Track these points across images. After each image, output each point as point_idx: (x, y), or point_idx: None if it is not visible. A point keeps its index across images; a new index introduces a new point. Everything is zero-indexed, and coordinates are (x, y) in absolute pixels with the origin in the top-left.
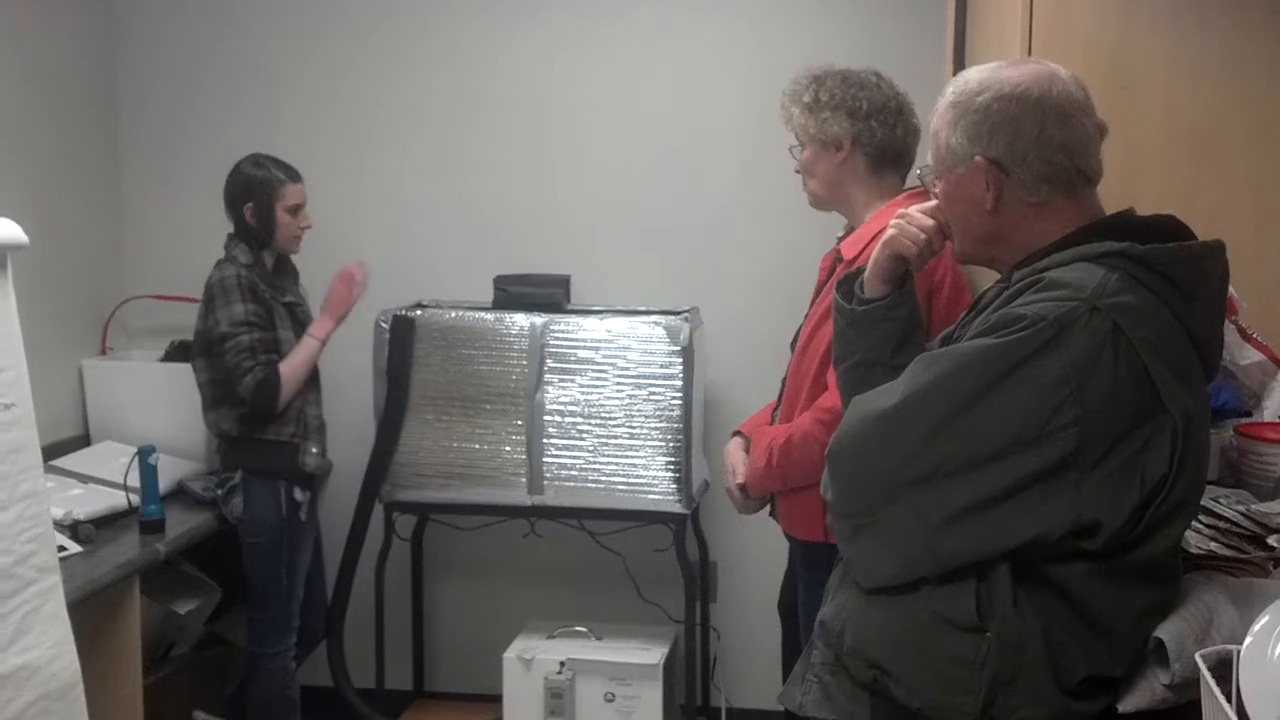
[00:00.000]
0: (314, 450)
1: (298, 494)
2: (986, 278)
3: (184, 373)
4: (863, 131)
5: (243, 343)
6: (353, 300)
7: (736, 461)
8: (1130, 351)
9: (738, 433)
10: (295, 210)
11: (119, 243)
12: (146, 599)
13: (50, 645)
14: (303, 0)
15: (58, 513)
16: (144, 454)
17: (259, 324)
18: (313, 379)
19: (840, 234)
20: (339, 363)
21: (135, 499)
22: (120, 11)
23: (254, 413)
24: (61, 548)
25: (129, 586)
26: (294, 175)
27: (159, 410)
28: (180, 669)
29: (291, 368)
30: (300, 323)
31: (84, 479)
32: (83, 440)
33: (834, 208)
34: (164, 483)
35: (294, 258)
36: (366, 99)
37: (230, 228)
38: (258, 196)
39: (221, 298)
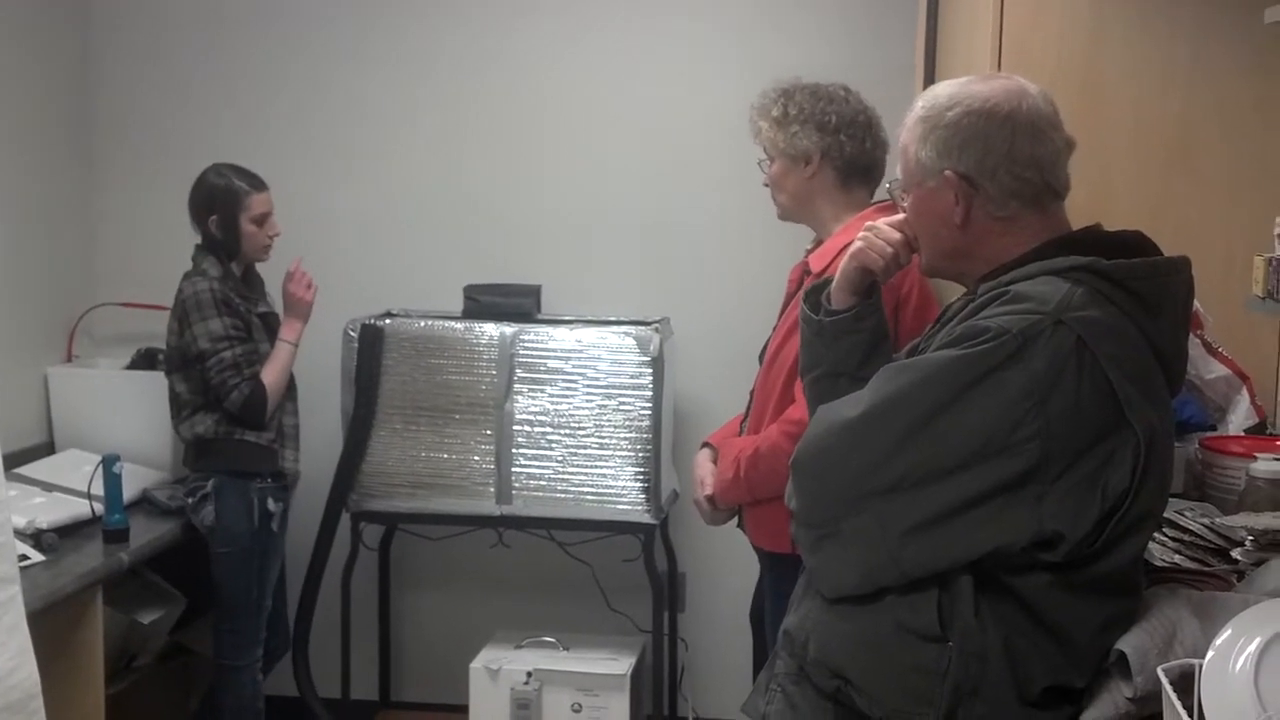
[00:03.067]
0: (291, 456)
1: (270, 504)
2: (953, 290)
3: (150, 381)
4: (832, 145)
5: (225, 359)
6: (309, 297)
7: (704, 473)
8: (1094, 365)
9: (706, 444)
10: (261, 220)
11: (87, 249)
12: (110, 608)
13: (10, 656)
14: (276, 11)
15: (21, 521)
16: (108, 462)
17: (239, 337)
18: (288, 386)
19: (809, 247)
20: (307, 371)
21: (99, 507)
22: (94, 15)
23: (243, 426)
24: (24, 556)
25: (92, 596)
26: (258, 184)
27: (124, 418)
28: (143, 679)
29: (272, 377)
30: (274, 332)
31: (48, 487)
32: (47, 448)
33: (802, 221)
34: (128, 491)
35: (262, 267)
36: (337, 108)
37: (197, 239)
38: (221, 208)
39: (196, 313)
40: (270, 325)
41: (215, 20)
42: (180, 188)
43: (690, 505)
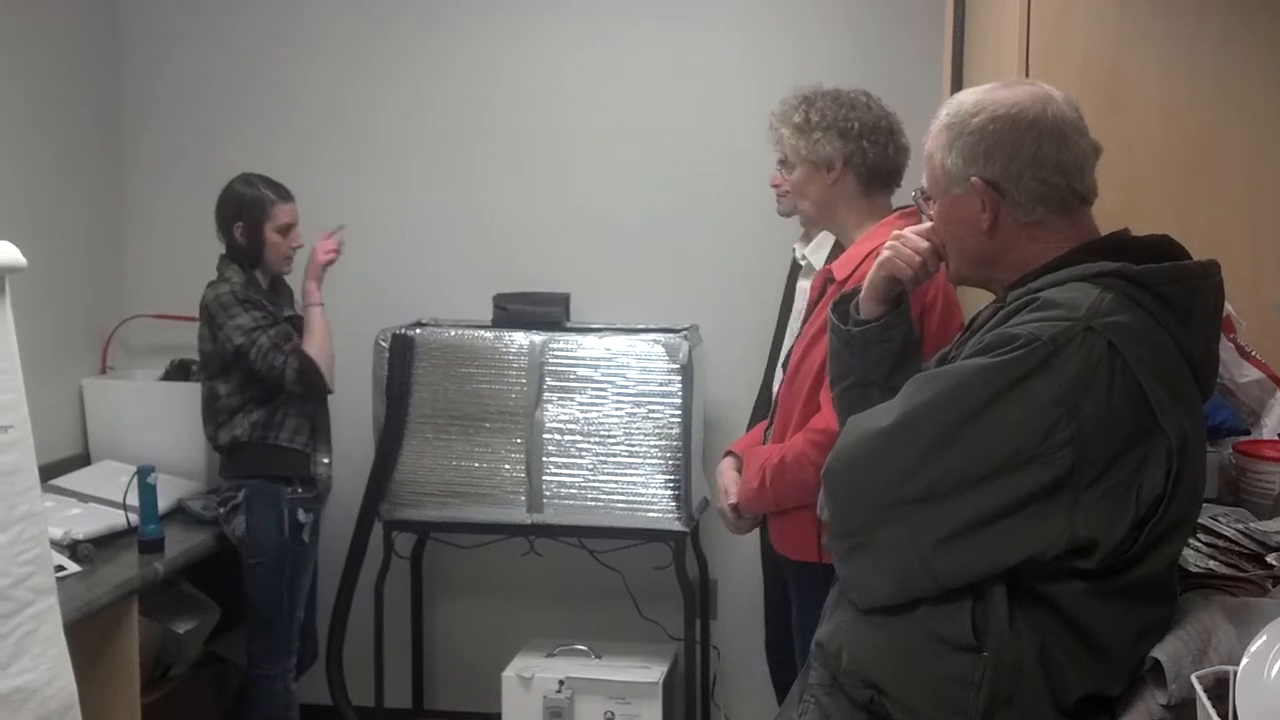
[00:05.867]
0: (324, 460)
1: (301, 515)
2: (979, 297)
3: (184, 392)
4: (854, 152)
5: (263, 345)
6: (327, 257)
7: (729, 482)
8: (1125, 371)
9: (730, 452)
10: (286, 230)
11: (120, 261)
12: (145, 619)
13: (47, 667)
14: (304, 22)
15: (57, 532)
16: (143, 473)
17: (269, 323)
18: None
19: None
20: (338, 381)
21: (134, 518)
22: (123, 29)
23: (309, 395)
24: (60, 567)
25: (128, 606)
26: (285, 195)
27: (159, 429)
28: (179, 689)
29: (315, 344)
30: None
31: (83, 498)
32: (82, 459)
33: (824, 228)
34: (163, 502)
35: (290, 278)
36: (366, 119)
37: (223, 248)
38: (247, 216)
39: (223, 314)
40: (298, 329)
41: (242, 36)
42: (211, 199)
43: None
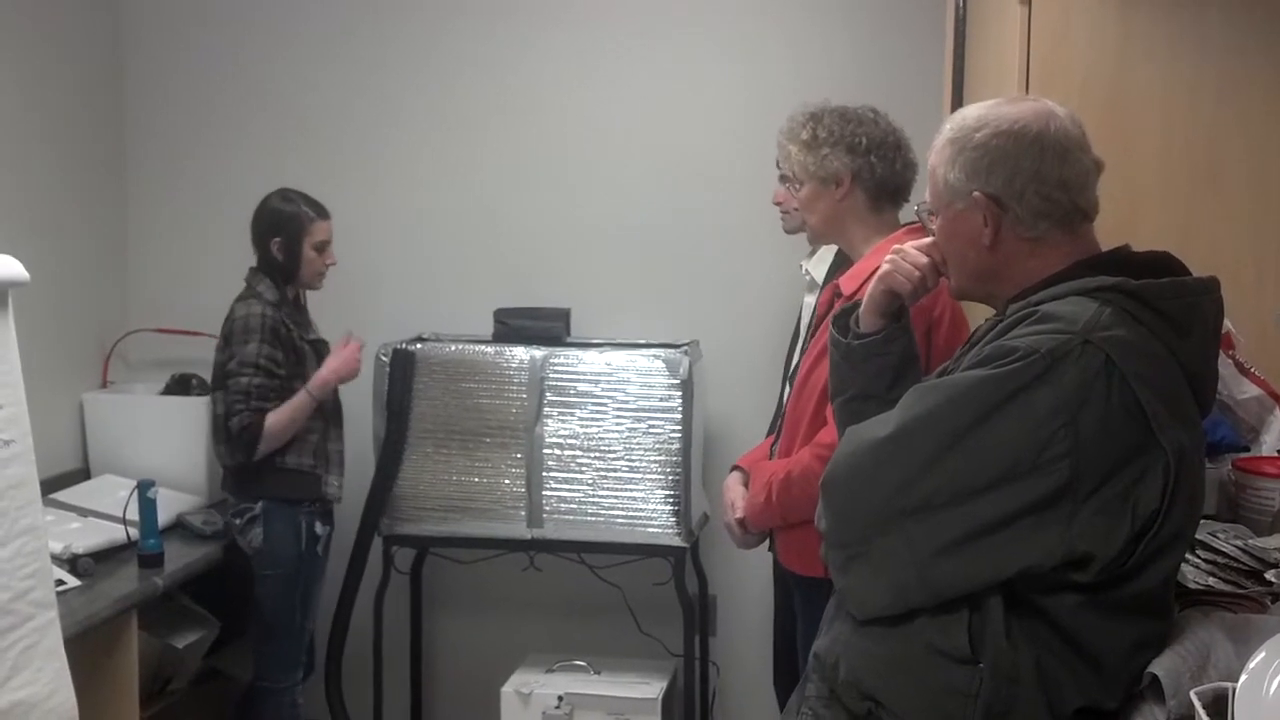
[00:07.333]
0: (335, 482)
1: (318, 528)
2: (986, 312)
3: (185, 406)
4: (862, 167)
5: (241, 384)
6: (353, 372)
7: (735, 496)
8: (1123, 385)
9: (736, 467)
10: (322, 247)
11: (121, 276)
12: (145, 633)
13: (47, 681)
14: (307, 36)
15: (56, 546)
16: (143, 487)
17: (267, 369)
18: (335, 413)
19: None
20: (339, 396)
21: (134, 532)
22: (125, 42)
23: (230, 451)
24: (60, 581)
25: (127, 620)
26: (322, 212)
27: (159, 444)
28: (178, 704)
29: (279, 420)
30: (324, 360)
31: (83, 512)
32: (82, 473)
33: (833, 243)
34: (163, 516)
35: (310, 296)
36: (369, 135)
37: (253, 261)
38: (285, 231)
39: (241, 335)
40: (320, 352)
41: (249, 51)
42: (214, 213)
43: (721, 528)
